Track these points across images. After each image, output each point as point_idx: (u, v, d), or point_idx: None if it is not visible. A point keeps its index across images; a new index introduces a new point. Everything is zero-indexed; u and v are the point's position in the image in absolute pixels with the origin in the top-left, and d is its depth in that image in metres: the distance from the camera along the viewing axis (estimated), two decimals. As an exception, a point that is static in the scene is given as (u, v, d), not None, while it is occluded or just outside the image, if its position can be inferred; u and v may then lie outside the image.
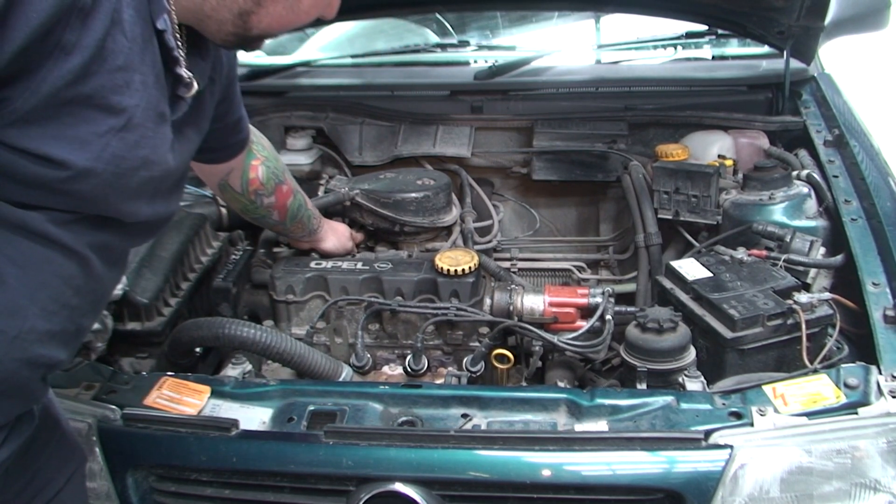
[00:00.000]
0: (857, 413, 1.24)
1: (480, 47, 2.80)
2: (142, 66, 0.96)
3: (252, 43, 1.11)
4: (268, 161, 1.74)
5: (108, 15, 0.90)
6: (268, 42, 2.73)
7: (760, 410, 1.25)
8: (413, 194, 2.05)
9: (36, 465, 1.16)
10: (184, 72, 1.06)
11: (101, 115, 0.94)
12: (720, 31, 2.52)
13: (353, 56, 2.79)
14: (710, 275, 1.69)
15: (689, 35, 2.59)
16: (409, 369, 1.69)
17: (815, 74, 2.42)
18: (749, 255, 1.75)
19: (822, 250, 1.79)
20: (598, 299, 1.71)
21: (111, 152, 0.96)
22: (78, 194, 0.98)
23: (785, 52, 2.33)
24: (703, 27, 2.52)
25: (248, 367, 1.62)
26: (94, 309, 1.18)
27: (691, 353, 1.52)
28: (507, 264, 2.16)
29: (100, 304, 1.24)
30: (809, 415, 1.25)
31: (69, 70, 0.88)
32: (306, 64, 2.71)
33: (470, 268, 1.74)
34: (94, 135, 0.94)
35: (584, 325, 1.68)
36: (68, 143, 0.93)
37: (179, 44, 1.04)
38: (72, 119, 0.92)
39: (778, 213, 1.89)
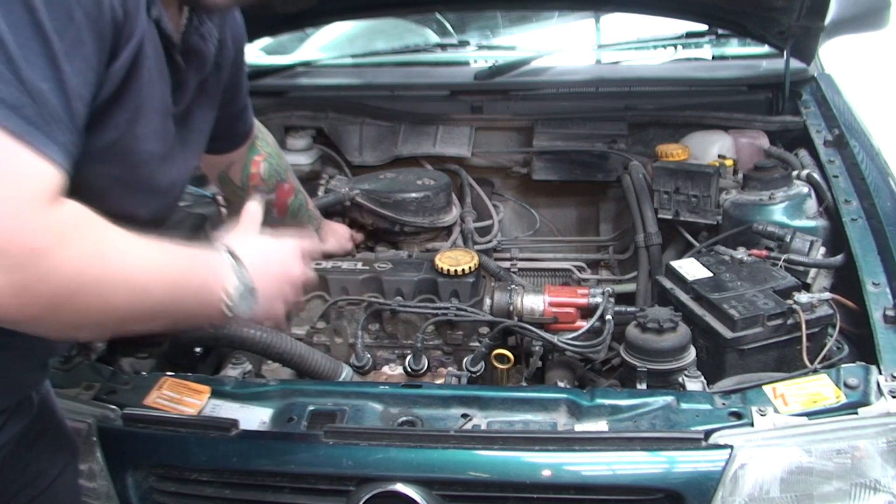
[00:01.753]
0: (857, 413, 1.24)
1: (480, 47, 2.79)
2: (151, 58, 0.98)
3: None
4: (270, 158, 1.74)
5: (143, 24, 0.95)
6: (268, 42, 2.72)
7: (760, 410, 1.25)
8: (413, 194, 2.05)
9: (30, 455, 1.17)
10: (179, 59, 1.07)
11: (119, 111, 0.95)
12: (720, 31, 2.52)
13: (353, 56, 2.79)
14: (710, 275, 1.69)
15: (689, 35, 2.58)
16: (409, 369, 1.69)
17: (815, 74, 2.42)
18: (749, 255, 1.75)
19: (822, 250, 1.79)
20: (598, 299, 1.71)
21: (122, 146, 0.97)
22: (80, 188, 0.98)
23: (785, 52, 2.33)
24: (703, 27, 2.52)
25: (248, 367, 1.62)
26: None
27: (691, 353, 1.52)
28: (507, 264, 2.16)
29: None
30: (809, 415, 1.25)
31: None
32: (306, 64, 2.71)
33: (470, 268, 1.74)
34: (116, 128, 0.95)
35: (584, 325, 1.68)
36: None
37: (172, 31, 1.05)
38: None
39: (778, 213, 1.89)
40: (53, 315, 0.83)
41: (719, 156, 2.19)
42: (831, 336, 1.51)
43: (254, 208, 1.20)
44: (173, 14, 1.06)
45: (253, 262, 1.05)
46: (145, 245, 0.89)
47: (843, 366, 1.35)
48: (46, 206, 0.78)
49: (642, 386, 1.50)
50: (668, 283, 1.73)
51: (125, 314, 0.89)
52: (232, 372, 1.59)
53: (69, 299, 0.82)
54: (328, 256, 1.94)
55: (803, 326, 1.49)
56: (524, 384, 1.72)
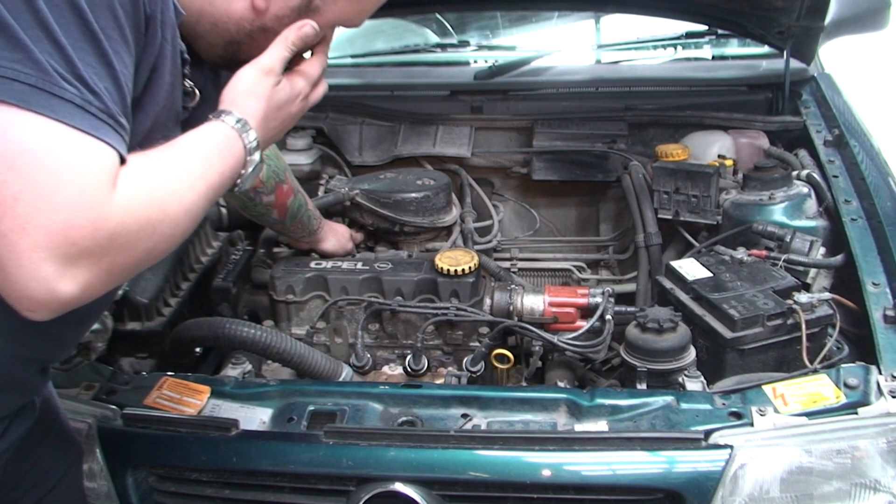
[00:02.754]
0: (857, 413, 1.24)
1: (480, 47, 2.80)
2: (169, 62, 0.99)
3: (239, 67, 1.13)
4: (269, 159, 1.74)
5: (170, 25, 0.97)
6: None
7: (760, 410, 1.25)
8: (413, 194, 2.05)
9: (33, 457, 1.17)
10: (187, 82, 1.08)
11: (143, 115, 0.97)
12: (720, 31, 2.52)
13: (353, 56, 2.79)
14: (710, 275, 1.69)
15: (689, 35, 2.59)
16: (409, 369, 1.69)
17: (815, 74, 2.42)
18: (749, 255, 1.75)
19: (822, 250, 1.79)
20: (598, 299, 1.71)
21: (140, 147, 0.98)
22: None
23: (785, 52, 2.33)
24: (703, 27, 2.52)
25: (248, 367, 1.62)
26: (96, 308, 1.18)
27: (691, 353, 1.52)
28: (507, 264, 2.16)
29: (102, 304, 1.24)
30: (809, 415, 1.25)
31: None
32: (306, 64, 2.70)
33: (470, 268, 1.74)
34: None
35: (584, 325, 1.68)
36: None
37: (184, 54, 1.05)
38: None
39: (778, 213, 1.89)
40: (137, 270, 0.89)
41: (719, 156, 2.19)
42: (831, 336, 1.52)
43: (294, 34, 1.09)
44: None
45: (261, 122, 1.05)
46: (188, 169, 0.92)
47: (843, 366, 1.35)
48: (113, 190, 0.81)
49: (642, 386, 1.50)
50: (668, 283, 1.73)
51: (187, 234, 0.94)
52: (232, 372, 1.59)
53: (147, 253, 0.87)
54: (328, 257, 1.95)
55: (803, 326, 1.49)
56: (524, 384, 1.72)
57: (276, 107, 1.08)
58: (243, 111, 1.02)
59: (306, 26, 1.09)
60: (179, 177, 0.90)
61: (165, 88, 0.99)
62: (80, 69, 0.81)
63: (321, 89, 1.18)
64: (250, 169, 1.03)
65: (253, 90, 1.05)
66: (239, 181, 1.02)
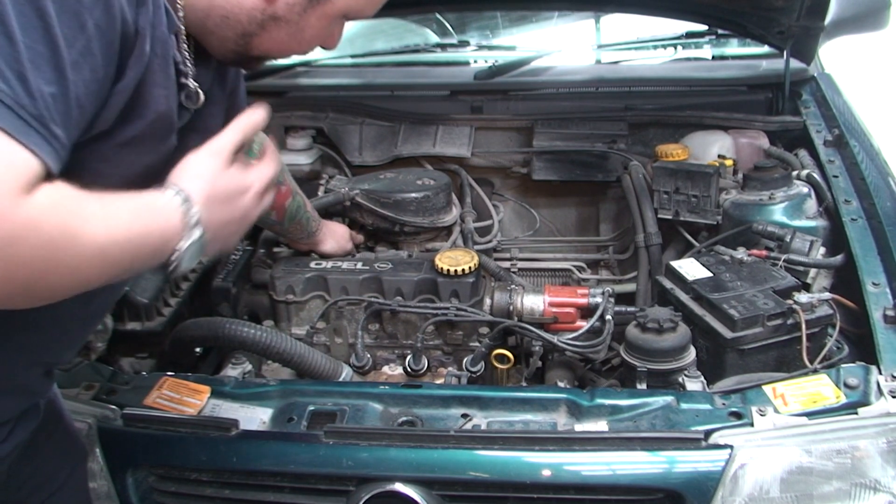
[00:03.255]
0: (857, 413, 1.24)
1: (480, 47, 2.80)
2: (164, 80, 0.98)
3: (251, 62, 1.11)
4: None
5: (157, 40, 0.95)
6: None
7: (760, 410, 1.25)
8: (413, 194, 2.05)
9: (38, 459, 1.17)
10: (191, 82, 1.06)
11: (129, 126, 0.96)
12: (720, 31, 2.52)
13: (353, 56, 2.79)
14: (710, 275, 1.69)
15: (689, 35, 2.59)
16: (409, 369, 1.69)
17: (815, 74, 2.42)
18: (749, 255, 1.75)
19: (822, 250, 1.79)
20: (598, 299, 1.71)
21: (126, 160, 0.97)
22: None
23: (785, 52, 2.33)
24: (703, 27, 2.52)
25: (248, 367, 1.62)
26: (101, 309, 1.18)
27: (691, 353, 1.52)
28: (507, 264, 2.16)
29: (106, 308, 1.24)
30: (809, 415, 1.25)
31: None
32: (306, 64, 2.70)
33: (470, 268, 1.74)
34: (116, 146, 0.95)
35: (584, 325, 1.68)
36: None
37: (188, 55, 1.05)
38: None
39: (778, 213, 1.89)
40: (27, 294, 0.83)
41: (719, 156, 2.19)
42: (831, 336, 1.52)
43: (245, 121, 1.08)
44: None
45: (205, 202, 1.00)
46: (114, 212, 0.88)
47: (843, 366, 1.35)
48: (23, 196, 0.78)
49: (642, 386, 1.50)
50: (668, 283, 1.73)
51: (93, 281, 0.89)
52: (232, 372, 1.59)
53: (42, 278, 0.82)
54: (327, 257, 1.95)
55: (803, 326, 1.49)
56: (524, 384, 1.72)
57: (223, 190, 1.03)
58: (185, 186, 0.98)
59: (257, 114, 1.07)
60: (100, 216, 0.86)
61: (158, 101, 0.97)
62: (27, 70, 0.78)
63: (271, 195, 1.15)
64: (187, 243, 0.96)
65: (197, 170, 1.01)
66: (176, 253, 0.96)
